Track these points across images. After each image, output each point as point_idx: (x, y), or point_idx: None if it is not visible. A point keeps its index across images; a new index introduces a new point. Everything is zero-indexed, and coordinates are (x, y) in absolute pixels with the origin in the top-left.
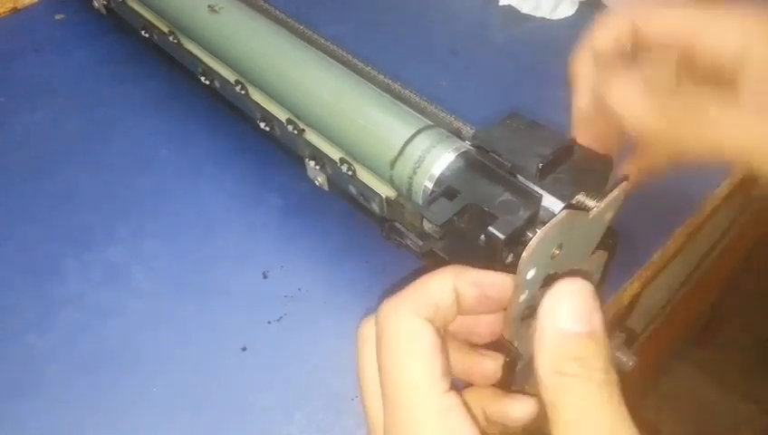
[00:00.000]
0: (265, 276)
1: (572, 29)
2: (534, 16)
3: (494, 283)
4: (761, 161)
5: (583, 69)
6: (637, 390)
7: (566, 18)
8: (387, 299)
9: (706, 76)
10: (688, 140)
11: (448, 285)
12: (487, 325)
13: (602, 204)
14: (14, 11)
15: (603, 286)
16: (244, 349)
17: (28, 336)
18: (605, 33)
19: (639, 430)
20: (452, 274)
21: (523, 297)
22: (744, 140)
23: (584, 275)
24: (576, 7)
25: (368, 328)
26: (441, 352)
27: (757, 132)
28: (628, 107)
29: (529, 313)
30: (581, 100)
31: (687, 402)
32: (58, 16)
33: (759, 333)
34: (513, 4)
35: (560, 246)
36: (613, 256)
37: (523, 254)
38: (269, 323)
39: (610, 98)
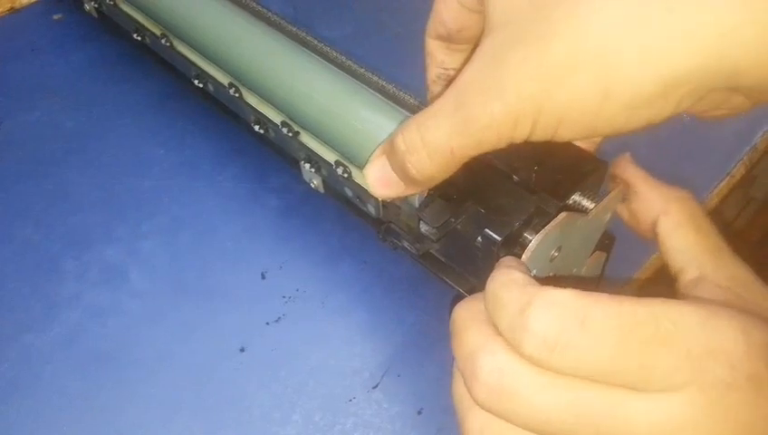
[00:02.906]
0: (264, 277)
1: None
2: None
3: None
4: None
5: (430, 46)
6: None
7: None
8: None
9: None
10: None
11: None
12: None
13: (600, 206)
14: (12, 11)
15: (600, 288)
16: (242, 350)
17: (26, 336)
18: (447, 6)
19: None
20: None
21: None
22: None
23: None
24: None
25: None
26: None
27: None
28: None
29: None
30: (429, 78)
31: None
32: (56, 16)
33: None
34: None
35: (559, 249)
36: (609, 257)
37: (523, 256)
38: (267, 323)
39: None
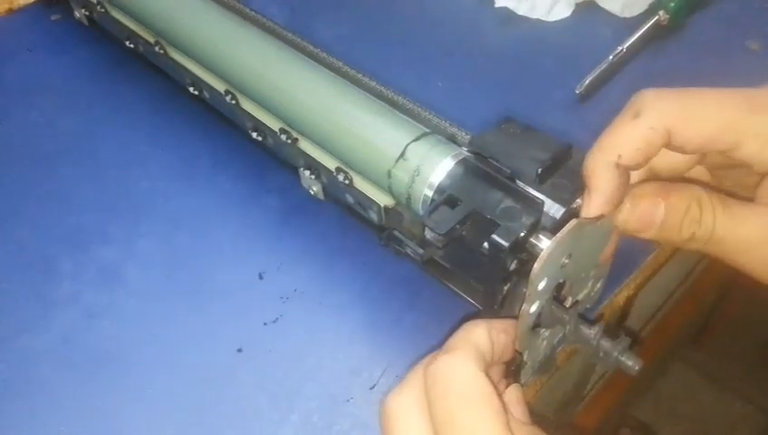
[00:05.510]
0: (261, 277)
1: (568, 30)
2: (530, 18)
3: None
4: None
5: (602, 175)
6: (633, 390)
7: (562, 20)
8: (435, 355)
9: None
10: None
11: (485, 335)
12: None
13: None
14: (10, 11)
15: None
16: (239, 350)
17: (23, 337)
18: (631, 138)
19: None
20: (485, 325)
21: (534, 308)
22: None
23: None
24: (572, 9)
25: (399, 403)
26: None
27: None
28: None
29: (537, 322)
30: (594, 208)
31: (684, 403)
32: (54, 17)
33: (755, 335)
34: (508, 6)
35: (569, 256)
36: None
37: (535, 265)
38: (265, 324)
39: (633, 214)
